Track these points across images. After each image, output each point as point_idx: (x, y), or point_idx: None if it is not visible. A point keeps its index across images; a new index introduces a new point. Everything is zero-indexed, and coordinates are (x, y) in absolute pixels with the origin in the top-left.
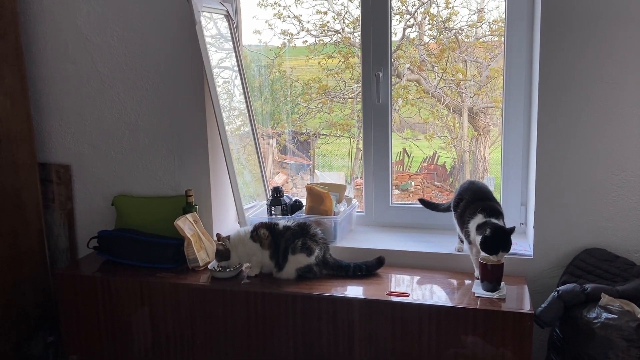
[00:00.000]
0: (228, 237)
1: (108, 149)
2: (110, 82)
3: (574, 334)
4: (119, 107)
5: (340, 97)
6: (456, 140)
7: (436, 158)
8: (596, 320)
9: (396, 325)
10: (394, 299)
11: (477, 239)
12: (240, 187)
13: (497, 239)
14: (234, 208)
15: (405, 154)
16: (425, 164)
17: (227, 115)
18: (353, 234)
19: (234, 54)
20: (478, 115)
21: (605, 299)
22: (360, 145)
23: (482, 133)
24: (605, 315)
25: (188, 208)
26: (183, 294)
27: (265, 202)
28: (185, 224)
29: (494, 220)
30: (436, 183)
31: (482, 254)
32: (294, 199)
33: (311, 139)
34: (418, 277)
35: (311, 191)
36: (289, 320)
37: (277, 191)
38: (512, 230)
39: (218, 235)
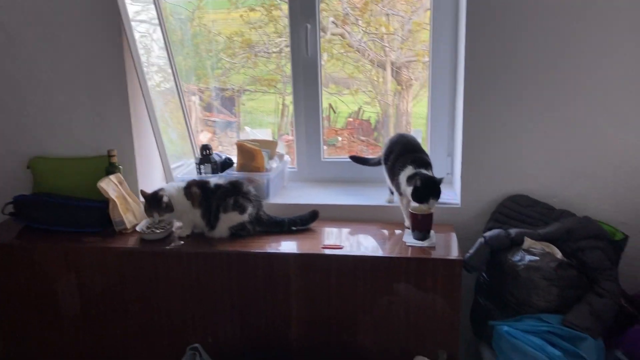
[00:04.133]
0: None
1: (20, 109)
2: (18, 37)
3: (500, 276)
4: (29, 63)
5: (265, 52)
6: (380, 94)
7: (361, 113)
8: (520, 263)
9: (331, 278)
10: (328, 252)
11: (408, 189)
12: (166, 146)
13: (428, 189)
14: (160, 168)
15: (331, 110)
16: (351, 119)
17: (146, 71)
18: (286, 190)
19: (152, 5)
20: (401, 70)
21: (528, 242)
22: (287, 101)
23: (405, 87)
24: (528, 257)
25: (111, 169)
26: (112, 257)
27: (193, 160)
28: (109, 186)
29: (423, 171)
30: (362, 138)
31: (412, 204)
32: (224, 157)
33: (236, 95)
34: (351, 230)
35: (242, 148)
36: (224, 279)
37: (205, 149)
38: (441, 180)
39: (142, 192)
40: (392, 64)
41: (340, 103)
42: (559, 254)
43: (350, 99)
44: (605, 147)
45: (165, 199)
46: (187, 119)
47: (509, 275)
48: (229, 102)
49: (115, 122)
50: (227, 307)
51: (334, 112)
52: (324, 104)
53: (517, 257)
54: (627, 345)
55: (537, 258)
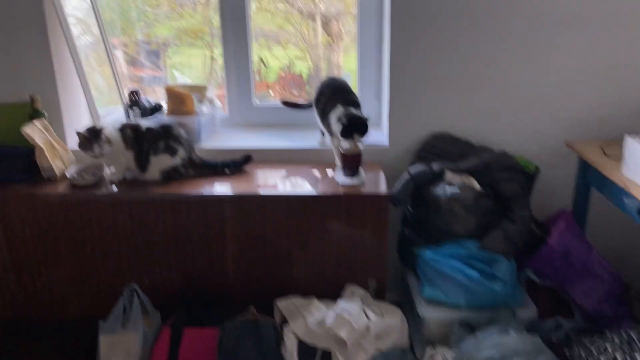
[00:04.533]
0: None
1: None
2: None
3: (423, 208)
4: None
5: (190, 2)
6: (311, 47)
7: (292, 67)
8: (441, 195)
9: (266, 218)
10: (263, 192)
11: (338, 129)
12: (93, 93)
13: (354, 125)
14: (87, 115)
15: (262, 64)
16: (282, 74)
17: (70, 20)
18: (218, 135)
19: None
20: (331, 22)
21: (449, 176)
22: (215, 54)
23: (335, 40)
24: (449, 189)
25: (35, 114)
26: (42, 205)
27: (121, 108)
28: (35, 132)
29: (352, 109)
30: (294, 92)
31: (343, 144)
32: (153, 102)
33: (161, 48)
34: (284, 171)
35: (171, 92)
36: (159, 222)
37: (134, 93)
38: (366, 117)
39: (77, 131)
40: (322, 15)
41: (271, 58)
42: (477, 186)
43: (282, 54)
44: (520, 89)
45: (105, 131)
46: (113, 67)
47: (431, 207)
48: (155, 56)
49: (36, 67)
50: (163, 249)
51: (265, 66)
52: (255, 57)
53: (439, 190)
54: (536, 265)
55: (457, 190)
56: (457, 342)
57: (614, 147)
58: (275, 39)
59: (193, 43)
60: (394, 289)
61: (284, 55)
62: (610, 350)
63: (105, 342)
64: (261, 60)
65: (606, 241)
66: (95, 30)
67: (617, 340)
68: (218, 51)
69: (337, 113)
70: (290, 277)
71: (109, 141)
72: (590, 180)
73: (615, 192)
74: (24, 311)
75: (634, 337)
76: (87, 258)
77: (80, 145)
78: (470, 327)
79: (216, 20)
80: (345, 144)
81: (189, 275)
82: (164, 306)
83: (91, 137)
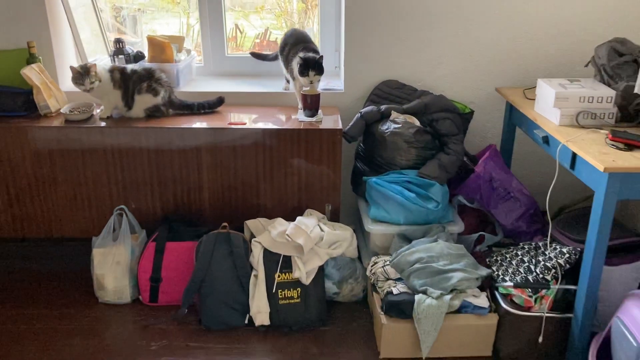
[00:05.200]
0: None
1: None
2: None
3: (372, 143)
4: None
5: None
6: (286, 14)
7: (268, 34)
8: (387, 130)
9: (237, 150)
10: (234, 126)
11: (297, 68)
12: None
13: (310, 63)
14: (76, 61)
15: (237, 30)
16: (258, 41)
17: None
18: (194, 82)
19: None
20: None
21: (393, 114)
22: (190, 21)
23: (310, 7)
24: (393, 126)
25: (32, 59)
26: (39, 136)
27: (107, 56)
28: (32, 73)
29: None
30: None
31: (304, 88)
32: (135, 51)
33: (138, 14)
34: (253, 112)
35: (152, 41)
36: (143, 152)
37: (119, 42)
38: (320, 57)
39: (71, 66)
40: None
41: (248, 26)
42: (417, 123)
43: (258, 22)
44: (457, 43)
45: (95, 68)
46: (99, 17)
47: (378, 142)
48: (131, 22)
49: (31, 16)
50: (147, 177)
51: (241, 33)
52: (230, 24)
53: (384, 127)
54: (466, 191)
55: (400, 126)
56: (395, 250)
57: (532, 91)
58: (251, 7)
59: (169, 9)
60: (349, 217)
61: (262, 25)
62: (520, 255)
63: (98, 254)
64: (236, 26)
65: (527, 171)
66: None
67: (526, 248)
68: (194, 16)
69: (297, 59)
70: (258, 203)
71: (98, 77)
72: (515, 119)
73: (529, 126)
74: (27, 231)
75: (540, 245)
76: (80, 184)
77: (73, 79)
78: (407, 239)
79: None
80: (305, 83)
81: (169, 201)
82: (149, 227)
83: (83, 72)
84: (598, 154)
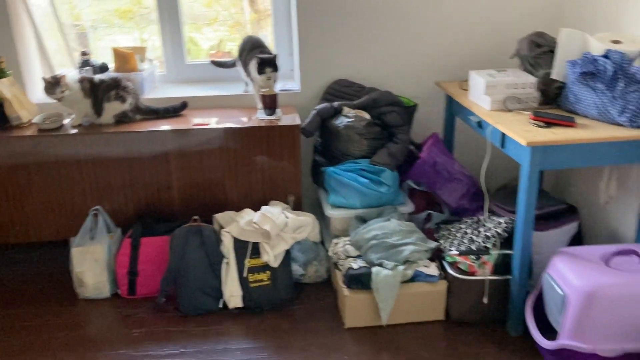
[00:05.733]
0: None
1: None
2: None
3: (328, 137)
4: None
5: None
6: (239, 25)
7: (222, 45)
8: (341, 125)
9: (203, 149)
10: (198, 127)
11: (258, 76)
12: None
13: (266, 61)
14: (43, 74)
15: (191, 44)
16: (213, 52)
17: None
18: (158, 89)
19: None
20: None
21: (345, 110)
22: (144, 36)
23: (263, 17)
24: (346, 120)
25: (1, 74)
26: (14, 146)
27: (72, 69)
28: (3, 87)
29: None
30: None
31: (262, 89)
32: (100, 63)
33: (89, 30)
34: (215, 114)
35: (117, 52)
36: (114, 155)
37: (84, 54)
38: (275, 56)
39: (43, 77)
40: None
41: (201, 38)
42: (367, 117)
43: (212, 35)
44: (400, 43)
45: (65, 78)
46: (63, 32)
47: (333, 135)
48: (83, 38)
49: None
50: (119, 179)
51: (195, 46)
52: (186, 29)
53: (338, 121)
54: (413, 175)
55: (352, 120)
56: (353, 230)
57: (467, 83)
58: (204, 20)
59: (121, 25)
60: (310, 207)
61: (215, 37)
62: (463, 228)
63: (76, 253)
64: (190, 40)
65: (467, 155)
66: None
67: (469, 222)
68: (148, 31)
69: (255, 62)
70: (225, 198)
71: (67, 87)
72: (453, 109)
73: (466, 113)
74: (6, 238)
75: (480, 218)
76: (55, 189)
77: (45, 89)
78: (363, 220)
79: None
80: (262, 80)
81: (141, 201)
82: (123, 226)
83: (54, 82)
84: (522, 132)
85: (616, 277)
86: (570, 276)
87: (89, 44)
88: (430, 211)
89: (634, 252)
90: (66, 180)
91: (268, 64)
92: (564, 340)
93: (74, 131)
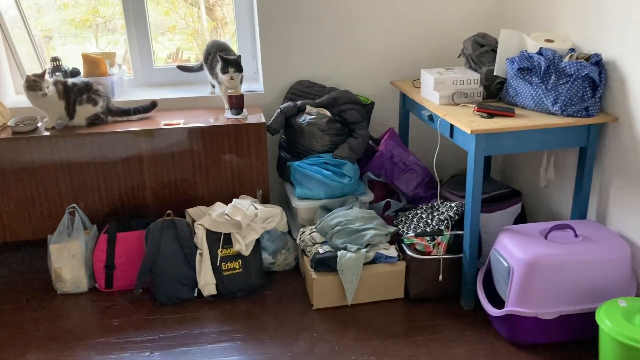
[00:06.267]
0: None
1: None
2: None
3: (292, 134)
4: None
5: None
6: (197, 33)
7: (180, 54)
8: (304, 122)
9: (173, 148)
10: (169, 127)
11: (222, 76)
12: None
13: (229, 62)
14: (12, 81)
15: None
16: (171, 60)
17: None
18: (127, 93)
19: None
20: (214, 7)
21: (308, 108)
22: (108, 41)
23: (220, 24)
24: (308, 117)
25: None
26: None
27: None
28: None
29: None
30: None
31: (229, 90)
32: (71, 68)
33: (44, 40)
34: (184, 115)
35: (87, 58)
36: (88, 156)
37: (55, 60)
38: (238, 56)
39: (27, 75)
40: (206, 1)
41: (158, 46)
42: (328, 114)
43: (168, 44)
44: (358, 46)
45: (46, 73)
46: (32, 39)
47: (297, 132)
48: (39, 48)
49: None
50: (93, 178)
51: (154, 55)
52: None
53: (301, 119)
54: (373, 167)
55: (314, 117)
56: (319, 219)
57: (419, 82)
58: (160, 28)
59: (77, 34)
60: (278, 201)
61: (172, 45)
62: (419, 213)
63: (54, 249)
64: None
65: (422, 147)
66: (14, 10)
67: (424, 208)
68: (105, 40)
69: (221, 64)
70: (196, 194)
71: (49, 83)
72: (408, 106)
73: (418, 108)
74: None
75: (435, 204)
76: (31, 190)
77: (30, 86)
78: (328, 209)
79: (104, 9)
80: (226, 80)
81: (116, 199)
82: (98, 223)
83: (38, 78)
84: (467, 122)
85: (553, 248)
86: (514, 250)
87: (52, 52)
88: (388, 199)
89: (569, 227)
90: (41, 182)
91: (231, 64)
92: (510, 307)
93: (47, 134)
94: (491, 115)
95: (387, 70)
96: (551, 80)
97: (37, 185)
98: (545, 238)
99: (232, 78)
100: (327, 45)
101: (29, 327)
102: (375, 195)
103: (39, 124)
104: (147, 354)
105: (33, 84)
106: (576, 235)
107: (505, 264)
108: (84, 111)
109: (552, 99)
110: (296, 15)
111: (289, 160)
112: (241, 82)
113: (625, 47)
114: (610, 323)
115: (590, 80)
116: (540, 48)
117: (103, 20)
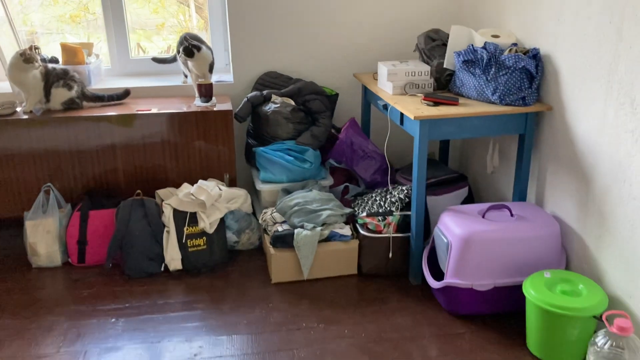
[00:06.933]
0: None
1: None
2: None
3: (259, 122)
4: None
5: None
6: (188, 31)
7: (171, 51)
8: (269, 110)
9: (145, 133)
10: (141, 112)
11: (192, 65)
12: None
13: (183, 49)
14: None
15: (139, 49)
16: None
17: None
18: (104, 82)
19: None
20: (204, 6)
21: (273, 97)
22: (91, 38)
23: (208, 23)
24: (273, 106)
25: None
26: None
27: None
28: None
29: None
30: None
31: (199, 79)
32: (50, 56)
33: (34, 37)
34: (156, 102)
35: (65, 47)
36: (64, 138)
37: (35, 48)
38: (191, 45)
39: (24, 49)
40: (196, 0)
41: (149, 45)
42: (292, 103)
43: (161, 44)
44: (323, 40)
45: (38, 50)
46: (12, 25)
47: (263, 120)
48: (34, 40)
49: None
50: (68, 160)
51: (144, 52)
52: (133, 43)
53: (267, 107)
54: (334, 155)
55: (279, 106)
56: (280, 200)
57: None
58: (151, 27)
59: (69, 31)
60: (244, 186)
61: (164, 45)
62: (374, 196)
63: (30, 225)
64: (138, 45)
65: (382, 137)
66: None
67: (379, 191)
68: (96, 36)
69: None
70: (166, 177)
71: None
72: (368, 97)
73: (376, 99)
74: None
75: (389, 189)
76: (9, 170)
77: (27, 59)
78: (289, 192)
79: (92, 5)
80: (201, 79)
81: (89, 181)
82: (73, 203)
83: (32, 51)
84: (413, 110)
85: (488, 225)
86: (453, 226)
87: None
88: (347, 184)
89: (506, 207)
90: (19, 163)
91: (183, 50)
92: (448, 279)
93: (25, 117)
94: (437, 104)
95: (351, 64)
96: (491, 72)
97: (14, 166)
98: (483, 217)
99: (183, 62)
100: (295, 40)
101: (2, 296)
102: (336, 181)
103: (18, 109)
104: (113, 320)
105: (29, 57)
106: (512, 215)
107: (445, 240)
108: (59, 95)
109: (492, 89)
110: (265, 11)
111: (255, 146)
112: (211, 71)
113: (558, 43)
114: (534, 292)
115: (527, 72)
116: (485, 42)
117: (94, 17)
